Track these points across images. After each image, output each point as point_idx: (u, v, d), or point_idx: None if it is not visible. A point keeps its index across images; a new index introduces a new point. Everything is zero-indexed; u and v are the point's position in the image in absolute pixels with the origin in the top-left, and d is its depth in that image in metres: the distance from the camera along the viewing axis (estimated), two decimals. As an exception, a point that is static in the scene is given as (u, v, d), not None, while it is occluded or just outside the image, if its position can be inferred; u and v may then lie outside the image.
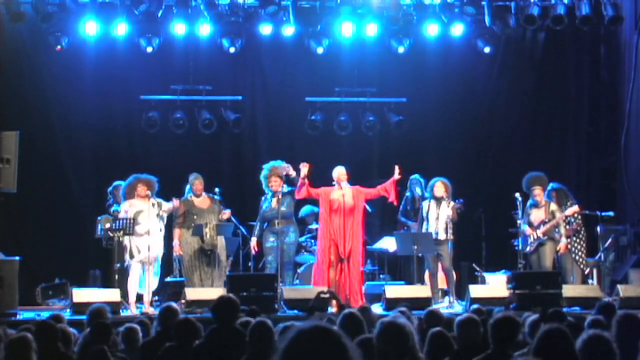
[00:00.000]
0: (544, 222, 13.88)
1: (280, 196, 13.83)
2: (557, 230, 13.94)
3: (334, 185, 13.86)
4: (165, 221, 13.62)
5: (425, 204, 14.00)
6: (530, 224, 13.93)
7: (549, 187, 14.26)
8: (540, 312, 7.94)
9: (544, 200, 13.99)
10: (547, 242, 13.92)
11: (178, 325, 7.32)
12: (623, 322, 6.48)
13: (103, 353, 7.14)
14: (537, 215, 13.95)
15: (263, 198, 14.08)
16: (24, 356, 6.41)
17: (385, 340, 5.56)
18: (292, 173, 13.81)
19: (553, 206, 13.99)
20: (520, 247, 14.05)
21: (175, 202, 13.56)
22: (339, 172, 13.84)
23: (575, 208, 14.03)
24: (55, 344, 7.07)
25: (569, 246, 14.12)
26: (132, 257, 13.29)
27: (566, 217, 14.02)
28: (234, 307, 7.06)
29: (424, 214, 13.93)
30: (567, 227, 14.14)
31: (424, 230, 13.87)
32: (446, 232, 13.81)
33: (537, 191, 13.94)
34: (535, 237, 13.88)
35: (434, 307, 12.85)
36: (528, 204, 14.02)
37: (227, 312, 7.03)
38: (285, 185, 13.88)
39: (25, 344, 6.49)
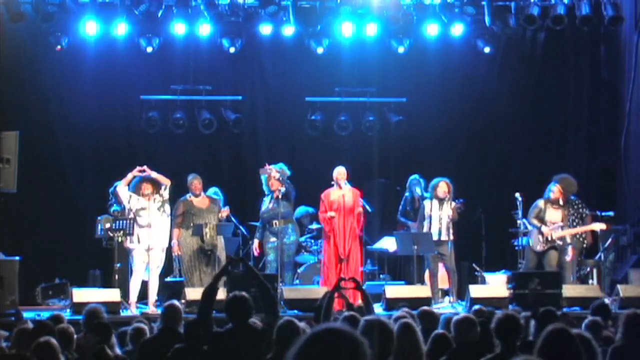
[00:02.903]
0: (561, 227, 13.82)
1: (280, 195, 13.84)
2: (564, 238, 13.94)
3: (333, 185, 13.87)
4: (169, 210, 13.63)
5: (427, 204, 13.96)
6: (542, 221, 13.84)
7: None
8: (532, 311, 7.94)
9: (562, 201, 13.92)
10: (558, 247, 13.89)
11: (187, 326, 7.32)
12: (630, 322, 6.47)
13: (102, 352, 7.14)
14: (553, 215, 13.86)
15: (262, 199, 14.11)
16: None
17: (368, 338, 5.56)
18: (276, 175, 13.84)
19: (569, 210, 13.98)
20: (530, 244, 13.99)
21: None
22: (339, 172, 13.85)
23: (603, 226, 14.04)
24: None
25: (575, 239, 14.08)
26: (132, 242, 13.33)
27: (590, 230, 14.03)
28: (248, 305, 7.03)
29: (426, 214, 13.91)
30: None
31: (425, 230, 13.86)
32: (448, 233, 13.82)
33: (554, 188, 13.87)
34: (550, 238, 13.83)
35: (433, 306, 12.90)
36: (541, 199, 13.95)
37: (241, 310, 6.99)
38: (282, 187, 13.90)
39: (52, 349, 6.49)
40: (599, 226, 14.03)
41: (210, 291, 7.11)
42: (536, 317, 7.41)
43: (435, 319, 7.86)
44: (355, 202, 13.82)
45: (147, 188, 13.47)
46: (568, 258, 13.87)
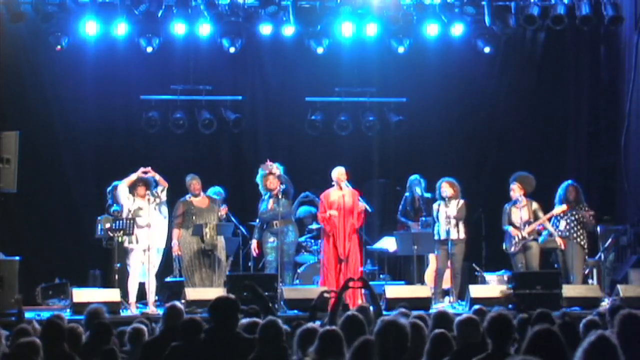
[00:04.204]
0: (528, 222, 13.88)
1: (280, 195, 13.84)
2: (547, 231, 13.96)
3: (334, 185, 13.86)
4: (166, 212, 13.63)
5: (435, 205, 14.05)
6: (511, 224, 13.94)
7: (568, 182, 14.22)
8: (528, 315, 7.94)
9: (526, 200, 13.98)
10: (533, 242, 13.93)
11: (183, 324, 7.32)
12: (626, 321, 6.47)
13: (112, 354, 7.14)
14: (519, 215, 13.94)
15: (261, 200, 14.08)
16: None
17: (384, 339, 5.58)
18: (276, 171, 13.83)
19: (535, 205, 14.00)
20: (505, 247, 14.08)
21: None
22: (339, 172, 13.84)
23: (563, 207, 13.98)
24: (61, 344, 7.09)
25: (577, 237, 14.05)
26: (130, 242, 13.33)
27: (552, 216, 14.02)
28: (234, 308, 7.03)
29: (435, 215, 13.96)
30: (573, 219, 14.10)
31: (435, 231, 13.90)
32: (457, 232, 13.84)
33: (513, 186, 13.98)
34: (521, 237, 13.87)
35: (433, 306, 12.93)
36: (506, 205, 14.01)
37: (227, 313, 6.99)
38: (281, 185, 13.90)
39: (34, 348, 6.49)
40: (559, 209, 13.95)
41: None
42: (530, 321, 7.40)
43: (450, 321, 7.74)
44: (355, 203, 13.80)
45: (142, 189, 13.49)
46: (562, 246, 13.93)
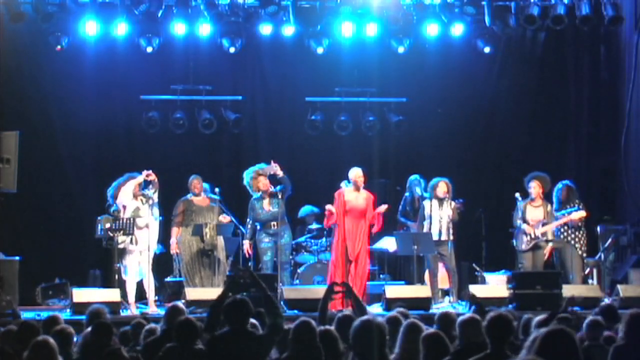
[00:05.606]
0: (543, 223, 13.85)
1: (280, 196, 13.82)
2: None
3: (351, 185, 13.69)
4: (157, 213, 13.60)
5: (426, 204, 13.93)
6: (526, 222, 13.89)
7: (562, 183, 14.21)
8: (549, 315, 7.90)
9: (542, 200, 13.95)
10: (543, 243, 13.89)
11: (178, 325, 7.31)
12: (634, 321, 6.47)
13: (118, 353, 7.13)
14: (534, 214, 13.89)
15: (252, 200, 14.01)
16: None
17: (357, 339, 5.59)
18: (280, 173, 13.79)
19: (550, 206, 13.97)
20: (515, 244, 14.04)
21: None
22: (356, 173, 13.68)
23: (583, 213, 13.96)
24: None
25: (571, 240, 14.05)
26: (132, 242, 13.32)
27: (571, 220, 13.97)
28: (248, 309, 7.03)
29: (426, 214, 13.88)
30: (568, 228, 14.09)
31: (425, 230, 13.84)
32: (448, 233, 13.81)
33: (533, 184, 13.90)
34: (534, 236, 13.85)
35: (433, 307, 12.92)
36: (521, 202, 13.94)
37: (240, 314, 6.98)
38: (272, 186, 13.87)
39: (49, 348, 6.48)
40: (578, 214, 13.95)
41: (217, 308, 7.12)
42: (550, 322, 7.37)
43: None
44: (368, 207, 13.67)
45: (137, 189, 13.50)
46: (546, 256, 13.88)
